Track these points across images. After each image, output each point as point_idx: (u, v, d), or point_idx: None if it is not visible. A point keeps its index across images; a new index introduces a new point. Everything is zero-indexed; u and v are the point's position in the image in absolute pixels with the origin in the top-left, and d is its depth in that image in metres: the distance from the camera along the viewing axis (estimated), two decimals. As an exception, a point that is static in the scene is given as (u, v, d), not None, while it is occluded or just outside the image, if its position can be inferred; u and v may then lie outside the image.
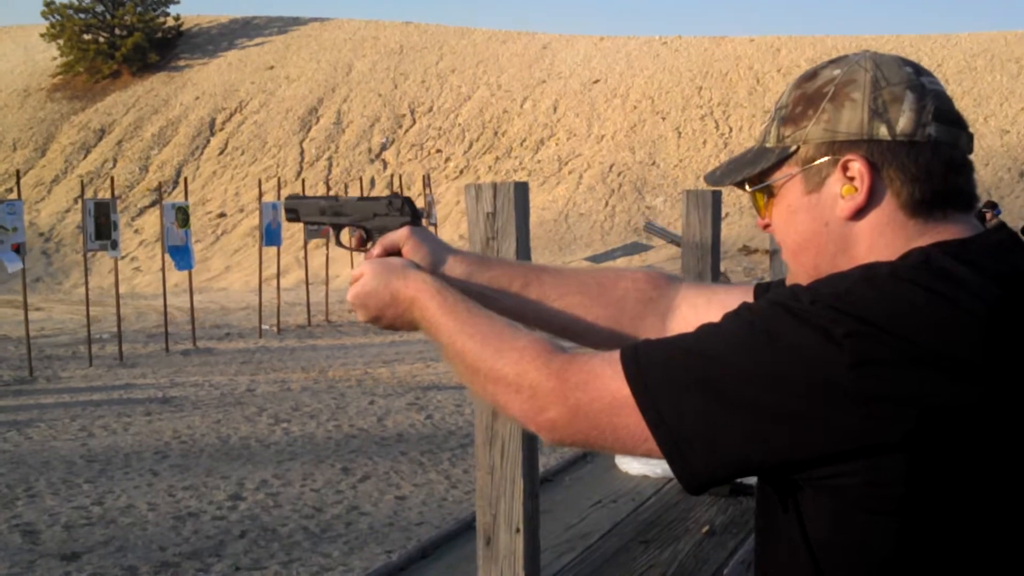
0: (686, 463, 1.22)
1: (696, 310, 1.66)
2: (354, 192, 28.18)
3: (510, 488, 2.83)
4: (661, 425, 1.23)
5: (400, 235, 1.72)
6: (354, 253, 1.85)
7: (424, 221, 1.82)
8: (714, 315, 1.31)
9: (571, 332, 1.73)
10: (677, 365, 1.24)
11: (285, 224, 19.94)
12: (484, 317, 1.47)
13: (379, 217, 1.78)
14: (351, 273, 1.70)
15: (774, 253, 5.98)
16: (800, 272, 1.39)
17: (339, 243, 1.87)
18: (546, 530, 3.61)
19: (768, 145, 1.40)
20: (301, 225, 22.19)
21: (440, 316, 1.50)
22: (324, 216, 1.85)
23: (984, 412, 1.15)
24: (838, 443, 1.15)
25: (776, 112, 1.41)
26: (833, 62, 1.38)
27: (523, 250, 2.77)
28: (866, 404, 1.13)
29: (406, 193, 28.96)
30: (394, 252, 1.71)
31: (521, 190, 2.79)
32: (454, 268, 1.71)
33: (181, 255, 16.51)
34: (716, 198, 4.80)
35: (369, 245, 1.77)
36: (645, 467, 4.96)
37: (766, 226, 1.45)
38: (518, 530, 2.84)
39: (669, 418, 1.22)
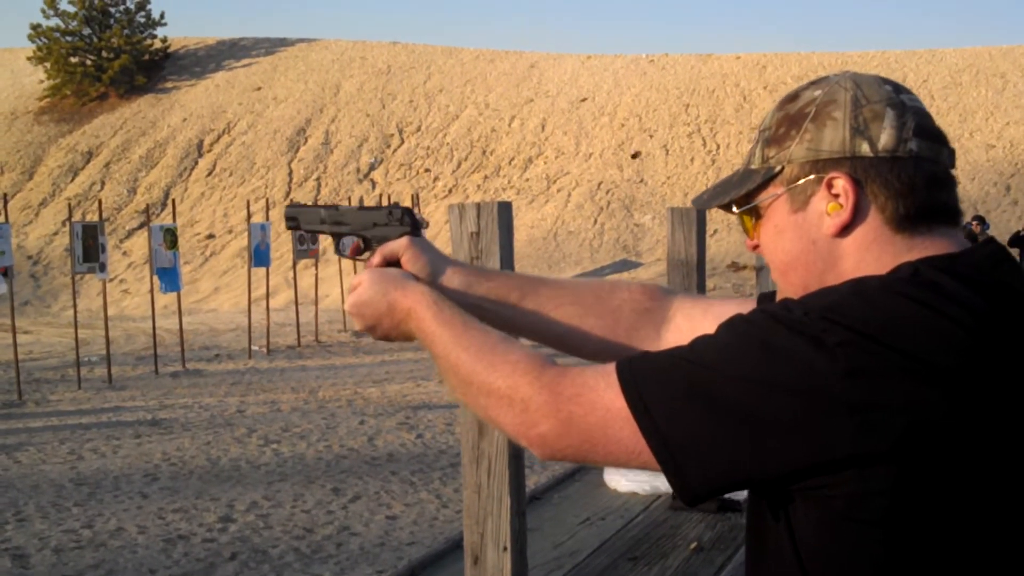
0: (682, 473, 1.23)
1: (691, 321, 1.68)
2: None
3: (497, 507, 2.84)
4: (656, 435, 1.23)
5: (399, 245, 1.73)
6: (348, 269, 1.86)
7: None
8: (709, 327, 1.32)
9: (567, 343, 1.74)
10: (672, 375, 1.25)
11: (274, 245, 19.93)
12: (479, 330, 1.47)
13: (379, 227, 1.79)
14: (351, 282, 1.72)
15: (761, 269, 6.01)
16: (789, 290, 1.41)
17: (338, 251, 1.88)
18: (534, 548, 3.62)
19: (753, 167, 1.43)
20: (290, 246, 22.17)
21: (436, 328, 1.52)
22: (324, 225, 1.86)
23: (971, 422, 1.16)
24: (831, 452, 1.16)
25: (760, 134, 1.43)
26: (814, 83, 1.41)
27: (507, 269, 2.79)
28: (859, 413, 1.14)
29: (395, 213, 28.94)
30: (393, 262, 1.72)
31: (505, 210, 2.81)
32: (452, 279, 1.72)
33: (169, 277, 16.49)
34: (701, 216, 4.83)
35: (367, 254, 1.79)
36: (634, 484, 4.97)
37: (755, 247, 1.47)
38: (505, 548, 2.85)
39: (664, 428, 1.23)
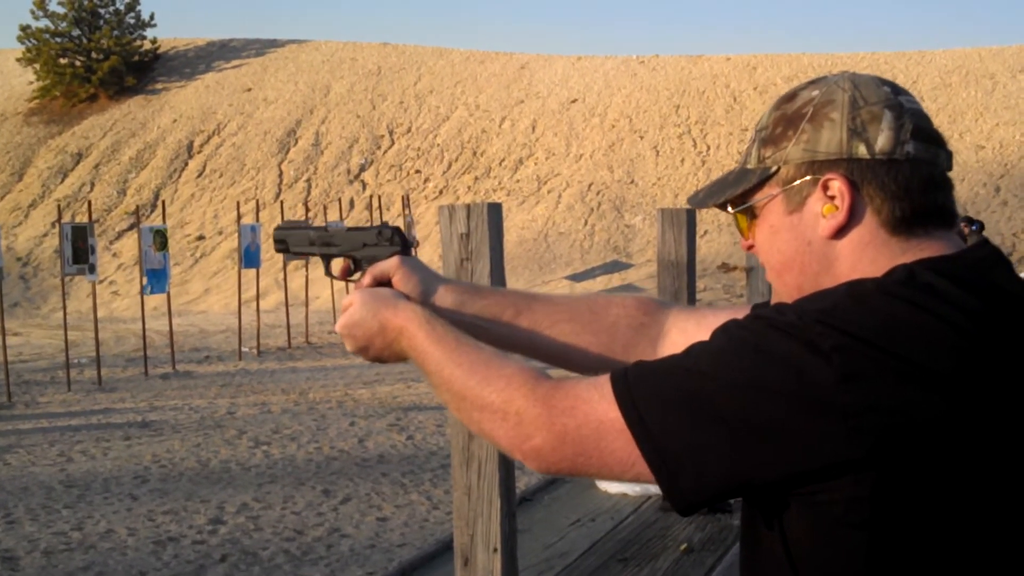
0: (675, 482, 1.23)
1: (685, 334, 1.67)
2: (333, 214, 28.12)
3: (487, 508, 2.83)
4: (649, 443, 1.23)
5: (390, 265, 1.72)
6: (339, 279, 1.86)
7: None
8: (703, 338, 1.31)
9: (563, 360, 1.74)
10: (665, 383, 1.25)
11: (264, 246, 19.90)
12: (472, 346, 1.47)
13: (368, 247, 1.78)
14: (342, 303, 1.71)
15: (751, 270, 6.02)
16: (784, 292, 1.41)
17: (328, 273, 1.87)
18: (524, 549, 3.62)
19: (749, 166, 1.42)
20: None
21: (428, 345, 1.51)
22: (313, 247, 1.85)
23: (966, 426, 1.16)
24: (825, 457, 1.16)
25: (757, 134, 1.43)
26: (812, 83, 1.40)
27: (497, 271, 2.79)
28: (853, 417, 1.14)
29: (385, 214, 28.94)
30: (384, 282, 1.71)
31: (494, 211, 2.81)
32: (445, 298, 1.72)
33: (158, 278, 16.45)
34: (691, 216, 4.83)
35: (358, 275, 1.78)
36: (624, 486, 4.98)
37: (750, 247, 1.47)
38: (496, 550, 2.85)
39: (658, 436, 1.22)
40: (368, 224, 1.88)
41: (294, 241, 1.88)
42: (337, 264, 1.83)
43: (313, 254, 1.86)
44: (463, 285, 1.79)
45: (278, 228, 1.89)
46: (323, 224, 1.94)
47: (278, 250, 1.92)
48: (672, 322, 1.74)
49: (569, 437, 1.29)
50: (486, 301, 1.74)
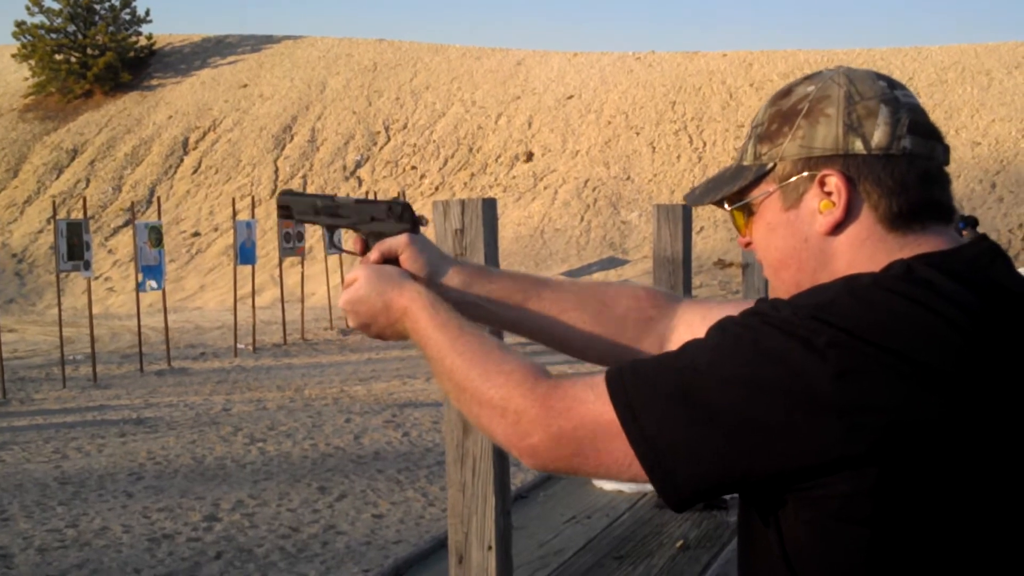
0: (668, 478, 1.22)
1: (691, 328, 1.66)
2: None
3: (481, 506, 2.82)
4: (644, 441, 1.22)
5: (399, 242, 1.71)
6: (335, 266, 1.83)
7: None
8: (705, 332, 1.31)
9: (568, 346, 1.74)
10: (660, 380, 1.24)
11: (260, 243, 19.87)
12: (475, 336, 1.46)
13: (377, 222, 1.74)
14: (347, 277, 1.69)
15: (747, 267, 6.01)
16: (782, 288, 1.40)
17: (331, 244, 1.83)
18: (519, 547, 3.61)
19: (746, 163, 1.41)
20: (276, 244, 22.09)
21: (431, 330, 1.50)
22: (318, 216, 1.79)
23: (963, 423, 1.15)
24: (820, 455, 1.15)
25: (752, 130, 1.42)
26: (807, 78, 1.39)
27: (492, 267, 2.77)
28: (849, 414, 1.13)
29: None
30: (391, 259, 1.70)
31: (489, 206, 2.79)
32: (453, 279, 1.71)
33: (153, 275, 16.43)
34: (687, 212, 4.82)
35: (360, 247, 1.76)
36: (619, 483, 4.96)
37: (747, 244, 1.46)
38: (490, 547, 2.84)
39: (651, 432, 1.22)
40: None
41: (299, 208, 1.81)
42: (350, 238, 1.79)
43: (317, 223, 1.81)
44: (472, 266, 1.78)
45: (283, 193, 1.83)
46: (330, 195, 1.89)
47: (281, 216, 1.84)
48: (680, 316, 1.73)
49: (566, 438, 1.29)
50: (495, 284, 1.73)
